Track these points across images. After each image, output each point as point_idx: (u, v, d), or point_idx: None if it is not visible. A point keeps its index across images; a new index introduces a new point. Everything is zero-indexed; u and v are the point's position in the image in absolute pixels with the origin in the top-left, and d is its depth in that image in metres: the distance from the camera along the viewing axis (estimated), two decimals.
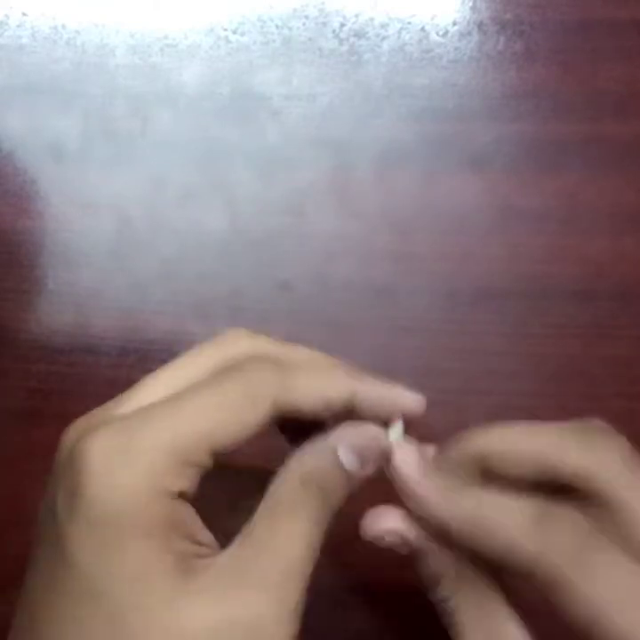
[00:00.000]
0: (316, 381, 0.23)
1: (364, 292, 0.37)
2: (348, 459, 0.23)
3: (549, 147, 0.37)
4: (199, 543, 0.21)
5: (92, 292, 0.37)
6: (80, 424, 0.22)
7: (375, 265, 0.37)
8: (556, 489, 0.24)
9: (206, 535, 0.21)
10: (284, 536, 0.21)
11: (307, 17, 0.38)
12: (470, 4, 0.38)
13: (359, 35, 0.38)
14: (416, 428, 0.32)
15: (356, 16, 0.38)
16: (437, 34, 0.38)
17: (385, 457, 0.25)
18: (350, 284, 0.37)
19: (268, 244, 0.37)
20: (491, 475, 0.25)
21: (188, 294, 0.37)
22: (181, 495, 0.21)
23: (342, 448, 0.23)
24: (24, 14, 0.38)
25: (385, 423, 0.25)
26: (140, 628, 0.19)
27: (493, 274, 0.37)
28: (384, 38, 0.38)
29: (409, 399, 0.26)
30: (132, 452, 0.20)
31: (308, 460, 0.23)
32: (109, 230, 0.37)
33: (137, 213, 0.37)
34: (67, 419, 0.37)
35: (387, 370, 0.37)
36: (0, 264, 0.37)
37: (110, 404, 0.22)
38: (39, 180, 0.38)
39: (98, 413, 0.23)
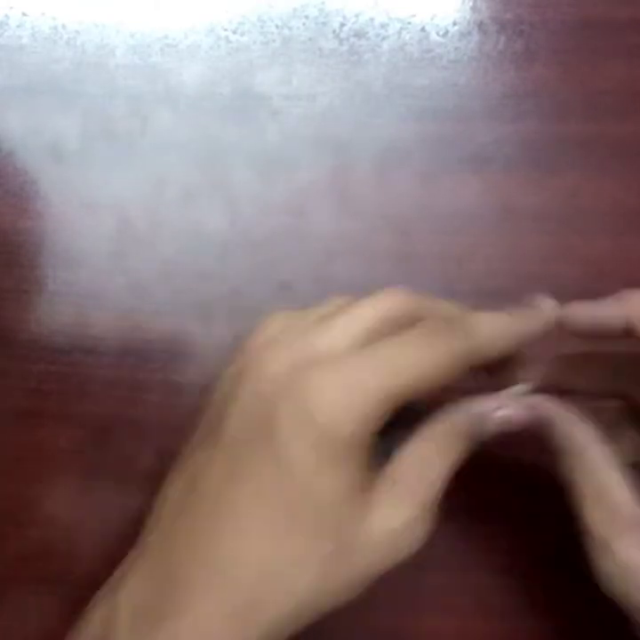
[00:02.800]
0: (498, 330, 0.28)
1: (363, 292, 0.37)
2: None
3: (549, 147, 0.37)
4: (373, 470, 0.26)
5: (92, 292, 0.37)
6: (288, 354, 0.26)
7: (375, 265, 0.37)
8: None
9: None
10: (423, 466, 0.26)
11: (307, 17, 0.38)
12: (470, 3, 0.38)
13: (359, 35, 0.38)
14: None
15: (356, 16, 0.38)
16: (437, 34, 0.38)
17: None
18: (350, 284, 0.37)
19: (268, 244, 0.37)
20: None
21: (188, 294, 0.37)
22: (373, 434, 0.25)
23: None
24: (24, 14, 0.38)
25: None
26: (333, 522, 0.24)
27: (493, 274, 0.37)
28: (384, 38, 0.38)
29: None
30: (356, 394, 0.24)
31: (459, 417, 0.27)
32: (109, 230, 0.37)
33: (137, 213, 0.37)
34: (67, 419, 0.37)
35: None
36: (0, 264, 0.37)
37: (302, 335, 0.26)
38: (39, 180, 0.38)
39: (300, 345, 0.26)
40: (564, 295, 0.37)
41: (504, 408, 0.28)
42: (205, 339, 0.37)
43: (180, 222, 0.37)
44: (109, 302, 0.37)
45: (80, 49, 0.38)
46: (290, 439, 0.24)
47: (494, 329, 0.28)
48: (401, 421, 0.27)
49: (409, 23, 0.38)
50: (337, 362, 0.25)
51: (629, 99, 0.38)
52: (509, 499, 0.34)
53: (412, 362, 0.25)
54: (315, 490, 0.24)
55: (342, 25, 0.38)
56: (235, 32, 0.38)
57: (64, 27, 0.38)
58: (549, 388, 0.31)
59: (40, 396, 0.37)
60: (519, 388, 0.30)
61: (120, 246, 0.37)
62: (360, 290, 0.37)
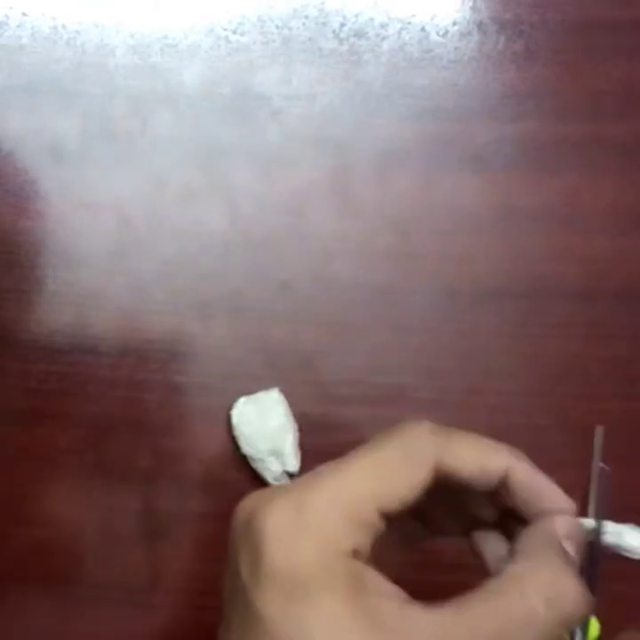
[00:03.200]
0: (476, 448, 0.24)
1: (364, 292, 0.37)
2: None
3: (549, 147, 0.37)
4: (386, 598, 0.22)
5: (92, 292, 0.37)
6: (254, 496, 0.23)
7: (375, 265, 0.37)
8: None
9: (394, 591, 0.22)
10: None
11: (307, 17, 0.38)
12: (470, 3, 0.38)
13: (359, 35, 0.38)
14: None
15: (356, 16, 0.38)
16: (437, 34, 0.38)
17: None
18: (350, 284, 0.37)
19: (268, 244, 0.37)
20: None
21: (188, 294, 0.37)
22: (356, 554, 0.22)
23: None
24: (24, 14, 0.38)
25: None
26: None
27: (493, 274, 0.37)
28: (384, 38, 0.38)
29: (562, 500, 0.25)
30: (305, 517, 0.21)
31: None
32: (109, 230, 0.37)
33: (137, 213, 0.37)
34: (67, 419, 0.37)
35: (387, 370, 0.37)
36: (0, 264, 0.37)
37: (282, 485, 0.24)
38: (39, 180, 0.38)
39: (270, 488, 0.24)
40: (564, 295, 0.37)
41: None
42: (205, 339, 0.37)
43: (180, 222, 0.37)
44: (109, 302, 0.37)
45: (80, 49, 0.38)
46: (250, 585, 0.21)
47: (470, 452, 0.24)
48: None
49: (409, 23, 0.38)
50: (285, 490, 0.23)
51: (629, 99, 0.38)
52: None
53: (368, 472, 0.22)
54: (290, 637, 0.21)
55: (342, 25, 0.38)
56: (235, 32, 0.38)
57: (64, 27, 0.38)
58: None
59: (40, 396, 0.37)
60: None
61: (120, 246, 0.37)
62: (360, 290, 0.37)
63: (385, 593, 0.22)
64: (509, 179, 0.37)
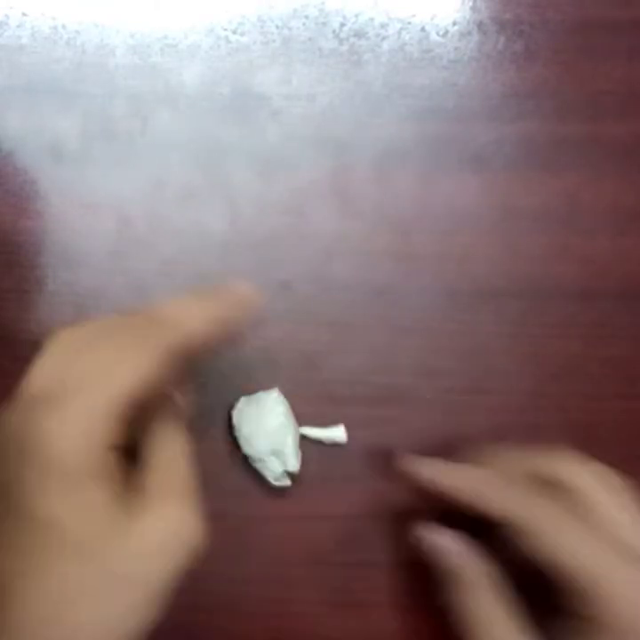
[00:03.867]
0: (203, 312, 0.27)
1: (364, 292, 0.37)
2: None
3: (549, 147, 0.37)
4: (129, 483, 0.26)
5: (92, 292, 0.37)
6: (19, 405, 0.27)
7: (375, 265, 0.37)
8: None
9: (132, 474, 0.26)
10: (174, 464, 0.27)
11: (307, 17, 0.38)
12: (470, 3, 0.38)
13: (359, 35, 0.38)
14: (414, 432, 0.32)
15: (356, 16, 0.38)
16: (437, 34, 0.38)
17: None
18: (350, 284, 0.37)
19: (268, 245, 0.37)
20: None
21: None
22: (114, 447, 0.25)
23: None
24: (24, 14, 0.38)
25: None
26: (98, 550, 0.24)
27: (493, 274, 0.37)
28: (384, 38, 0.38)
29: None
30: (69, 423, 0.24)
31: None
32: (109, 230, 0.37)
33: (137, 213, 0.37)
34: None
35: (387, 370, 0.37)
36: (0, 264, 0.37)
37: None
38: (39, 180, 0.38)
39: (23, 394, 0.27)
40: (564, 295, 0.37)
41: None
42: None
43: (180, 222, 0.37)
44: (109, 302, 0.37)
45: (80, 49, 0.38)
46: (20, 475, 0.24)
47: (194, 316, 0.27)
48: None
49: (409, 23, 0.38)
50: (49, 400, 0.25)
51: (629, 99, 0.38)
52: None
53: (127, 367, 0.25)
54: (68, 527, 0.24)
55: (342, 25, 0.38)
56: (235, 32, 0.38)
57: (64, 27, 0.38)
58: None
59: None
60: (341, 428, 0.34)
61: (120, 246, 0.37)
62: (360, 290, 0.37)
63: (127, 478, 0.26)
64: (509, 179, 0.37)
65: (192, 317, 0.27)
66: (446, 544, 0.31)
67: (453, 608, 0.31)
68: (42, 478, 0.24)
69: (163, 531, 0.25)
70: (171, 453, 0.27)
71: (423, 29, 0.38)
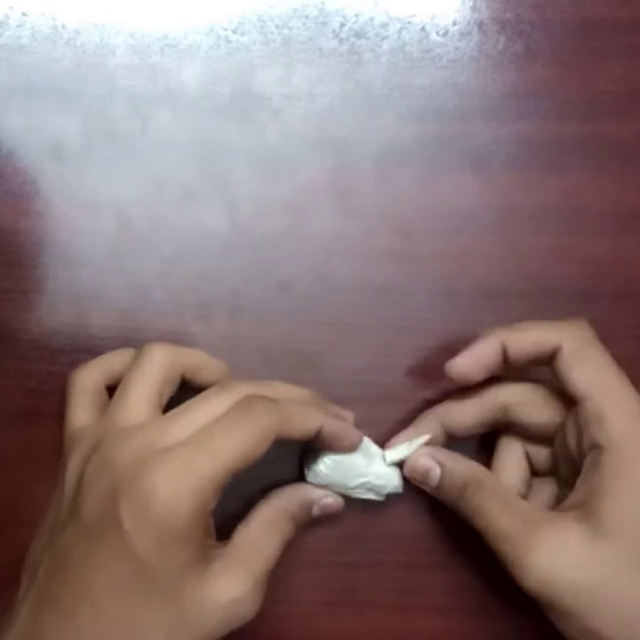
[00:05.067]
0: (304, 419, 0.31)
1: (364, 292, 0.37)
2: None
3: (549, 147, 0.37)
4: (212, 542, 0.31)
5: (92, 292, 0.37)
6: (136, 447, 0.29)
7: (375, 265, 0.37)
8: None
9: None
10: (258, 545, 0.31)
11: (307, 17, 0.38)
12: (470, 3, 0.38)
13: (359, 35, 0.38)
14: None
15: (356, 16, 0.38)
16: (437, 34, 0.38)
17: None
18: (350, 284, 0.37)
19: (268, 244, 0.37)
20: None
21: (188, 294, 0.37)
22: (211, 513, 0.29)
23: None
24: (24, 14, 0.38)
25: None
26: (188, 599, 0.28)
27: (493, 274, 0.37)
28: (384, 38, 0.38)
29: (353, 436, 0.33)
30: (188, 482, 0.28)
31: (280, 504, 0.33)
32: (109, 230, 0.37)
33: (137, 213, 0.37)
34: None
35: (387, 370, 0.37)
36: (0, 264, 0.37)
37: (155, 432, 0.30)
38: (39, 180, 0.38)
39: (149, 439, 0.29)
40: (564, 295, 0.37)
41: (326, 498, 0.34)
42: (205, 339, 0.37)
43: (180, 222, 0.37)
44: (109, 302, 0.37)
45: (80, 49, 0.38)
46: (133, 532, 0.27)
47: (304, 416, 0.31)
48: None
49: (409, 23, 0.38)
50: (170, 455, 0.28)
51: (629, 99, 0.38)
52: None
53: (233, 443, 0.28)
54: (160, 572, 0.27)
55: (342, 25, 0.38)
56: (235, 32, 0.38)
57: (64, 27, 0.38)
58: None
59: (40, 396, 0.37)
60: (421, 439, 0.34)
61: (120, 246, 0.37)
62: (360, 290, 0.37)
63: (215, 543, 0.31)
64: (509, 179, 0.37)
65: (300, 417, 0.31)
66: (446, 455, 0.33)
67: (466, 512, 0.32)
68: (143, 524, 0.27)
69: (234, 594, 0.29)
70: (266, 537, 0.31)
71: (423, 29, 0.38)
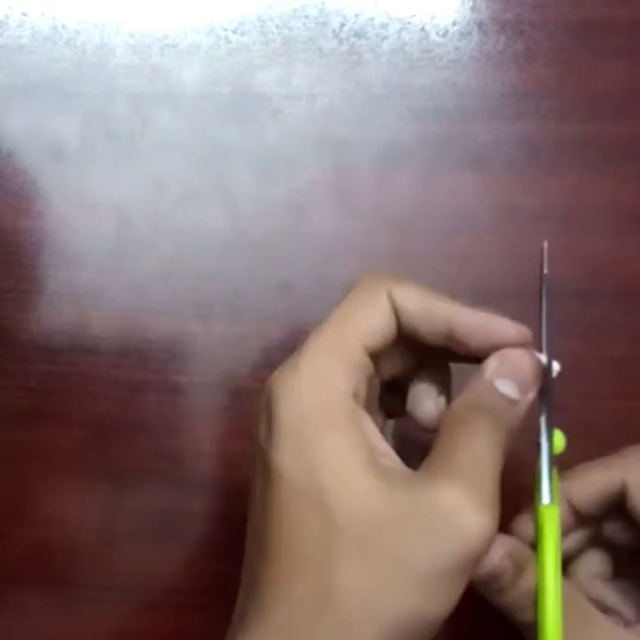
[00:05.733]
0: (422, 291, 0.26)
1: None
2: (509, 390, 0.24)
3: (549, 147, 0.37)
4: (382, 450, 0.24)
5: (92, 292, 0.37)
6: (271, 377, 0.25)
7: (375, 265, 0.37)
8: None
9: (387, 448, 0.24)
10: (468, 444, 0.23)
11: (307, 17, 0.38)
12: (470, 3, 0.38)
13: (359, 35, 0.38)
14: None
15: (356, 16, 0.38)
16: (437, 34, 0.38)
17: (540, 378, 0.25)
18: (350, 284, 0.37)
19: (268, 245, 0.37)
20: None
21: (188, 294, 0.37)
22: (355, 397, 0.23)
23: (499, 381, 0.24)
24: (24, 14, 0.38)
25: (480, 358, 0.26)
26: (343, 515, 0.22)
27: (493, 274, 0.37)
28: (384, 38, 0.38)
29: (510, 329, 0.26)
30: (304, 372, 0.24)
31: (469, 396, 0.25)
32: (109, 230, 0.37)
33: (137, 213, 0.37)
34: (67, 419, 0.37)
35: None
36: (0, 264, 0.37)
37: None
38: (39, 180, 0.38)
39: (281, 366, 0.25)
40: (564, 295, 0.37)
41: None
42: (205, 339, 0.37)
43: (180, 222, 0.37)
44: (109, 302, 0.37)
45: (80, 49, 0.38)
46: (265, 442, 0.23)
47: (418, 296, 0.26)
48: None
49: (409, 23, 0.38)
50: (286, 364, 0.25)
51: (629, 99, 0.37)
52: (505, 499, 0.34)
53: (357, 316, 0.25)
54: (302, 480, 0.22)
55: (342, 25, 0.38)
56: (235, 32, 0.38)
57: (64, 27, 0.38)
58: None
59: (40, 396, 0.37)
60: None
61: (120, 246, 0.37)
62: None
63: (377, 438, 0.24)
64: (509, 179, 0.37)
65: (426, 299, 0.26)
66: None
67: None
68: (289, 443, 0.23)
69: (420, 502, 0.22)
70: (478, 447, 0.23)
71: (423, 29, 0.38)
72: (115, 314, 0.37)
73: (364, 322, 0.25)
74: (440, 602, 0.22)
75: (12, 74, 0.38)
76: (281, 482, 0.22)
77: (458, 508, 0.22)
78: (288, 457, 0.22)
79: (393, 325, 0.25)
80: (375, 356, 0.25)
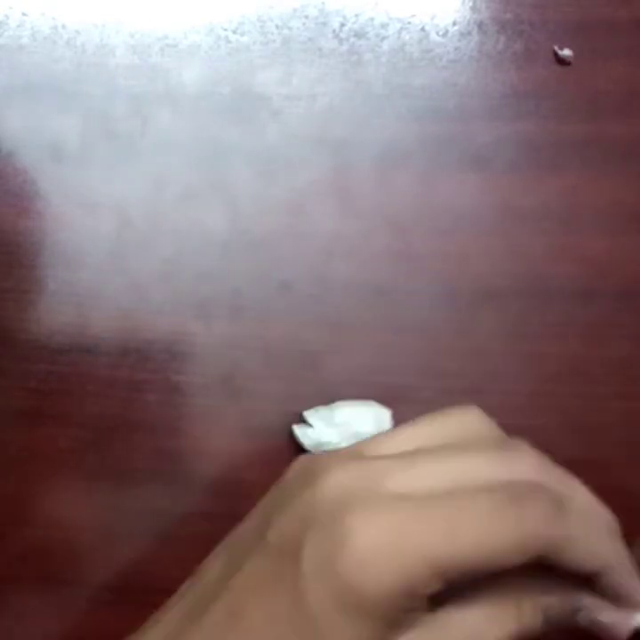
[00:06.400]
0: (594, 544, 0.22)
1: (364, 292, 0.37)
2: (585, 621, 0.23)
3: (549, 147, 0.37)
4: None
5: (92, 292, 0.37)
6: (350, 477, 0.23)
7: (375, 265, 0.37)
8: None
9: None
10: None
11: (307, 17, 0.38)
12: (470, 4, 0.38)
13: (359, 35, 0.38)
14: None
15: (356, 16, 0.38)
16: (437, 34, 0.38)
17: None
18: (350, 284, 0.37)
19: (268, 244, 0.37)
20: None
21: (188, 294, 0.37)
22: (421, 596, 0.21)
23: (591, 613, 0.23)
24: (24, 14, 0.38)
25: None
26: None
27: (493, 274, 0.37)
28: (384, 38, 0.38)
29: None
30: (394, 552, 0.20)
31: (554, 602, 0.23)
32: (109, 230, 0.37)
33: (137, 213, 0.37)
34: (67, 419, 0.37)
35: (387, 370, 0.37)
36: (0, 264, 0.37)
37: (382, 468, 0.22)
38: (39, 180, 0.38)
39: (371, 473, 0.22)
40: (564, 295, 0.37)
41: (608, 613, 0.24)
42: (205, 339, 0.37)
43: (180, 222, 0.37)
44: (109, 302, 0.37)
45: (80, 49, 0.38)
46: (311, 577, 0.21)
47: (587, 549, 0.22)
48: None
49: (409, 23, 0.38)
50: (388, 505, 0.21)
51: (629, 99, 0.38)
52: None
53: (476, 531, 0.21)
54: (325, 634, 0.21)
55: (342, 25, 0.38)
56: (235, 32, 0.38)
57: (64, 27, 0.38)
58: None
59: (40, 396, 0.37)
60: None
61: (120, 246, 0.37)
62: (360, 290, 0.37)
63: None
64: (509, 179, 0.37)
65: (596, 552, 0.23)
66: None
67: None
68: (325, 575, 0.21)
69: None
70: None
71: (423, 29, 0.38)
72: (115, 314, 0.37)
73: (482, 555, 0.21)
74: None
75: (11, 74, 0.38)
76: (306, 627, 0.21)
77: None
78: (327, 617, 0.21)
79: (516, 565, 0.22)
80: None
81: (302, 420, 0.34)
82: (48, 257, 0.37)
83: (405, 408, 0.37)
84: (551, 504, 0.21)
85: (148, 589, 0.37)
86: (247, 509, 0.33)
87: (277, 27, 0.38)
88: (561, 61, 0.37)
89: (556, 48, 0.35)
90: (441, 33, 0.38)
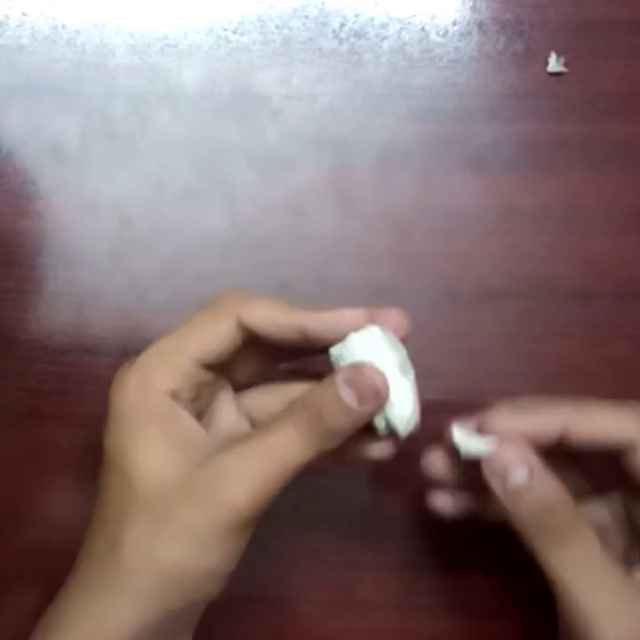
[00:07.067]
0: (272, 308, 0.29)
1: (364, 292, 0.37)
2: (347, 394, 0.27)
3: (549, 147, 0.37)
4: (195, 438, 0.28)
5: (92, 292, 0.37)
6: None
7: (375, 265, 0.37)
8: None
9: (202, 435, 0.29)
10: (273, 432, 0.27)
11: (307, 17, 0.38)
12: (470, 4, 0.38)
13: (359, 35, 0.38)
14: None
15: (356, 16, 0.38)
16: (437, 34, 0.38)
17: (381, 400, 0.28)
18: (350, 284, 0.37)
19: (268, 244, 0.37)
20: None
21: (188, 294, 0.37)
22: (174, 395, 0.28)
23: (342, 384, 0.27)
24: (24, 14, 0.38)
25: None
26: (138, 482, 0.27)
27: (493, 274, 0.37)
28: (384, 38, 0.38)
29: (353, 317, 0.30)
30: (132, 371, 0.28)
31: (311, 393, 0.28)
32: (109, 230, 0.37)
33: (137, 213, 0.37)
34: (67, 419, 0.37)
35: None
36: (0, 264, 0.37)
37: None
38: (39, 180, 0.38)
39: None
40: (564, 295, 0.37)
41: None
42: None
43: (180, 222, 0.37)
44: (109, 302, 0.37)
45: (80, 49, 0.38)
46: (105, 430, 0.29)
47: (265, 311, 0.29)
48: None
49: (409, 23, 0.38)
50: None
51: (629, 99, 0.38)
52: None
53: (197, 330, 0.28)
54: (118, 460, 0.28)
55: (342, 25, 0.38)
56: (235, 32, 0.38)
57: (64, 27, 0.38)
58: None
59: (40, 396, 0.37)
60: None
61: (120, 246, 0.37)
62: (360, 290, 0.37)
63: (192, 427, 0.28)
64: (509, 179, 0.37)
65: (273, 313, 0.29)
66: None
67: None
68: (113, 427, 0.28)
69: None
70: (282, 437, 0.27)
71: (423, 29, 0.38)
72: (115, 314, 0.37)
73: (201, 339, 0.28)
74: (210, 558, 0.26)
75: (12, 74, 0.38)
76: (106, 460, 0.28)
77: (229, 481, 0.26)
78: (112, 440, 0.28)
79: (235, 341, 0.28)
80: (220, 366, 0.29)
81: None
82: (48, 257, 0.37)
83: None
84: (236, 293, 0.30)
85: None
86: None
87: (277, 27, 0.38)
88: (552, 74, 0.37)
89: (549, 59, 0.35)
90: (441, 33, 0.38)
